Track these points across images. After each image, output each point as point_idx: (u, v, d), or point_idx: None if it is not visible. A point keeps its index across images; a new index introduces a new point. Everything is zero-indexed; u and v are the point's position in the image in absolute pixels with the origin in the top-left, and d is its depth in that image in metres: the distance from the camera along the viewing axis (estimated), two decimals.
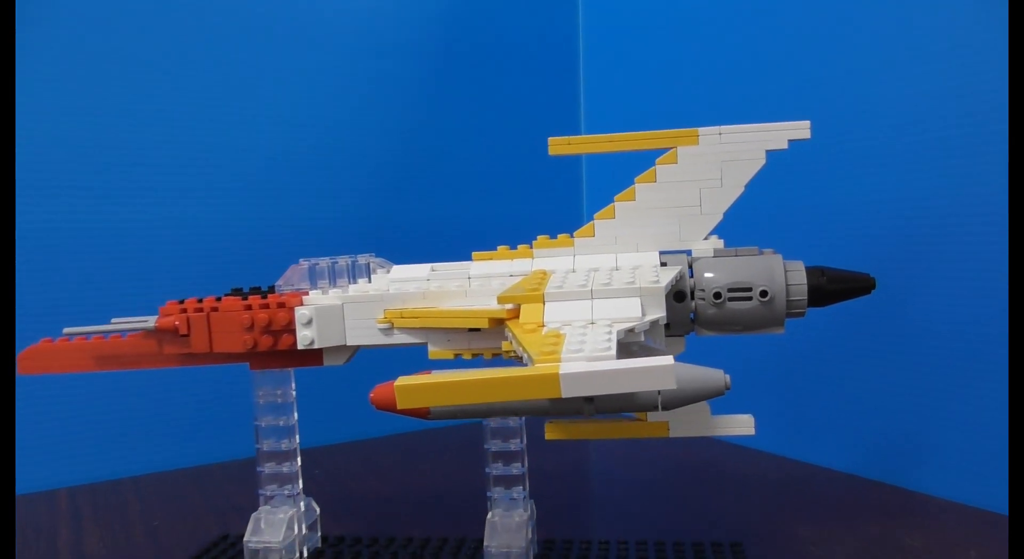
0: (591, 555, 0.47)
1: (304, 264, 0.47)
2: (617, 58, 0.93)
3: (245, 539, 0.46)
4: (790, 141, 0.42)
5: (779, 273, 0.41)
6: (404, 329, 0.43)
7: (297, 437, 0.48)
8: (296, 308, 0.43)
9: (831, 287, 0.42)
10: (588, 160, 0.96)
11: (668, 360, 0.32)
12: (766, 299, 0.41)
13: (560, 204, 0.96)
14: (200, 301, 0.46)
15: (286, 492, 0.47)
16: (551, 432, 0.42)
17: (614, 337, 0.35)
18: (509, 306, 0.40)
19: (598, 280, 0.40)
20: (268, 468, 0.47)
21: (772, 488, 0.61)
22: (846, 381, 0.66)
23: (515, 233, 0.91)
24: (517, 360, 0.40)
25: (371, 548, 0.50)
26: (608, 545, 0.49)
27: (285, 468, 0.47)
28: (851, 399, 0.66)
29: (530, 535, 0.45)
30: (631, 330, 0.37)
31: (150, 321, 0.46)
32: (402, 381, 0.33)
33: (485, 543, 0.44)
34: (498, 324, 0.40)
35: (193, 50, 0.75)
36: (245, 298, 0.45)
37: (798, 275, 0.42)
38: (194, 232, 0.75)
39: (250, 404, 0.75)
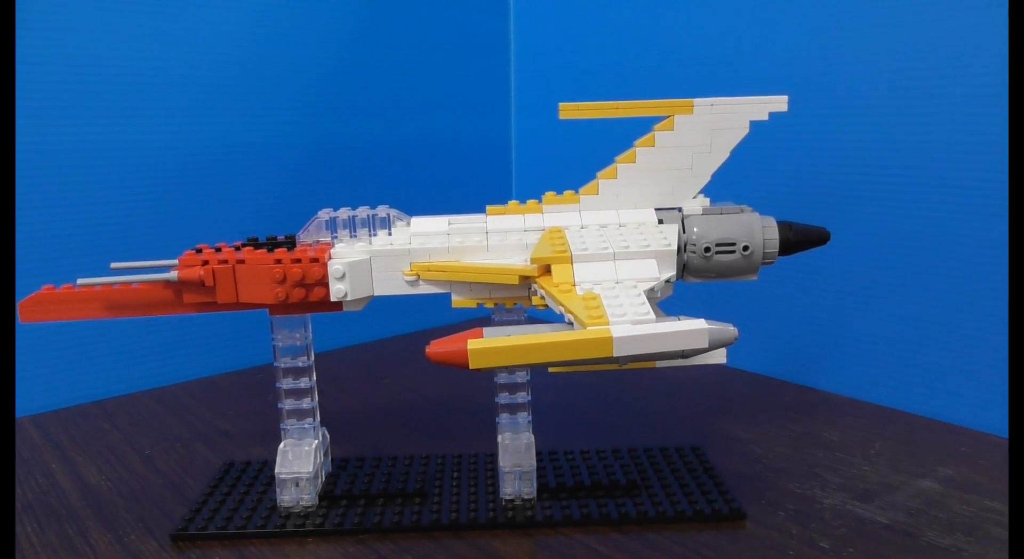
0: (579, 464, 0.55)
1: (325, 215, 0.49)
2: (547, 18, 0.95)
3: (276, 471, 0.49)
4: (770, 113, 0.48)
5: (757, 230, 0.48)
6: (430, 281, 0.47)
7: (314, 375, 0.51)
8: (330, 263, 0.46)
9: (796, 240, 0.49)
10: (517, 129, 1.00)
11: (702, 324, 0.39)
12: (747, 252, 0.48)
13: (490, 167, 1.00)
14: (218, 251, 0.48)
15: (306, 425, 0.51)
16: (555, 367, 0.47)
17: (646, 300, 0.41)
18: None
19: (615, 241, 0.45)
20: (289, 404, 0.51)
21: (709, 393, 0.71)
22: (769, 298, 0.76)
23: (451, 193, 0.94)
24: (543, 309, 0.45)
25: (380, 469, 0.55)
26: (589, 454, 0.57)
27: (304, 404, 0.51)
28: (772, 312, 0.76)
29: None
30: (651, 289, 0.43)
31: (172, 272, 0.47)
32: (475, 345, 0.38)
33: (500, 463, 0.50)
34: (525, 280, 0.45)
35: None
36: (271, 250, 0.47)
37: (772, 231, 0.49)
38: (133, 154, 0.73)
39: (206, 324, 0.77)
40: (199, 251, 0.48)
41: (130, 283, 0.48)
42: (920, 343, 0.66)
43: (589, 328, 0.39)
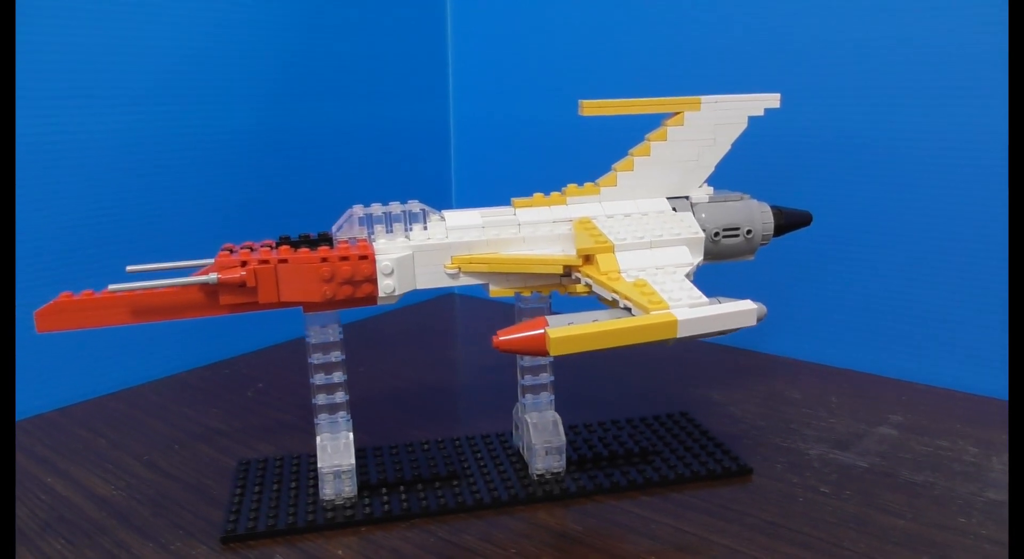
0: (589, 437, 0.59)
1: (360, 211, 0.49)
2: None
3: (319, 466, 0.50)
4: (765, 109, 0.53)
5: (758, 215, 0.53)
6: (470, 272, 0.49)
7: (345, 369, 0.52)
8: (378, 259, 0.47)
9: (786, 223, 0.55)
10: (456, 114, 1.01)
11: (751, 304, 0.43)
12: (750, 236, 0.53)
13: (428, 152, 1.01)
14: (253, 250, 0.48)
15: (339, 418, 0.52)
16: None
17: (692, 285, 0.45)
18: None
19: (647, 230, 0.49)
20: (321, 399, 0.51)
21: (674, 364, 0.76)
22: (715, 271, 0.82)
23: (390, 178, 0.95)
24: (586, 294, 0.48)
25: (399, 456, 0.56)
26: (592, 427, 0.61)
27: (337, 398, 0.52)
28: (720, 284, 0.82)
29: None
30: (688, 274, 0.47)
31: (211, 275, 0.46)
32: (556, 333, 0.41)
33: (532, 440, 0.53)
34: (567, 269, 0.48)
35: None
36: (314, 248, 0.47)
37: (768, 215, 0.54)
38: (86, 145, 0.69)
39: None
40: (230, 251, 0.48)
41: (158, 286, 0.47)
42: (858, 309, 0.74)
43: (653, 313, 0.42)
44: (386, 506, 0.50)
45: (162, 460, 0.58)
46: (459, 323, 0.95)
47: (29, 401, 0.67)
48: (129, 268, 0.50)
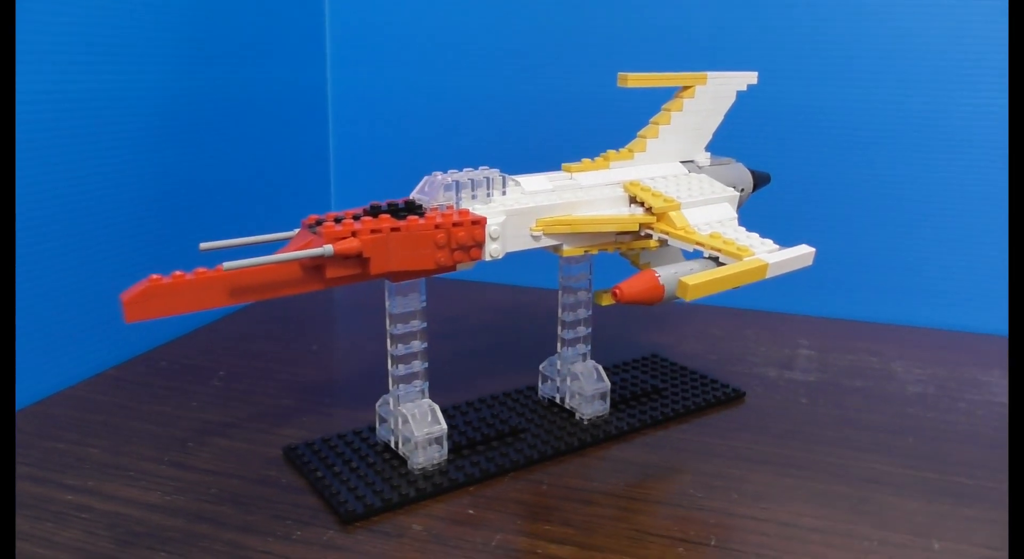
0: (625, 377, 0.64)
1: (443, 177, 0.49)
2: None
3: (415, 434, 0.50)
4: (748, 85, 0.62)
5: (744, 176, 0.63)
6: (550, 235, 0.52)
7: (425, 337, 0.52)
8: (487, 223, 0.48)
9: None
10: (334, 81, 0.97)
11: (809, 248, 0.52)
12: (742, 194, 0.62)
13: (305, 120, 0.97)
14: (356, 219, 0.46)
15: (415, 387, 0.52)
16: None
17: (757, 235, 0.53)
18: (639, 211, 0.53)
19: (694, 190, 0.55)
20: (401, 370, 0.51)
21: (604, 315, 0.81)
22: None
23: (266, 145, 0.90)
24: (655, 248, 0.54)
25: (450, 420, 0.57)
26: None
27: (415, 366, 0.51)
28: None
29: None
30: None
31: (326, 247, 0.44)
32: (691, 280, 0.46)
33: (585, 389, 0.57)
34: (641, 226, 0.53)
35: None
36: (422, 215, 0.47)
37: (749, 176, 0.63)
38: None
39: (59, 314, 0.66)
40: (319, 222, 0.46)
41: (269, 262, 0.43)
42: None
43: (745, 259, 0.49)
44: (479, 465, 0.52)
45: (188, 459, 0.53)
46: (364, 296, 0.93)
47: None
48: (203, 246, 0.46)
